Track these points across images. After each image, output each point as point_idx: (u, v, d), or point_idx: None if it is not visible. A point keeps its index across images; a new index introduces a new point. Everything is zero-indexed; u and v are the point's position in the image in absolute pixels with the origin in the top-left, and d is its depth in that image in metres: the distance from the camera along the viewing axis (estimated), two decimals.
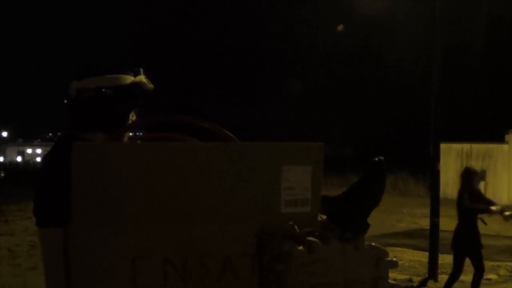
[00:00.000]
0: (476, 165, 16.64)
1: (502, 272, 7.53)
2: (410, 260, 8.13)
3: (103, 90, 1.93)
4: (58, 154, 1.85)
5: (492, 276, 7.30)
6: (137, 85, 1.98)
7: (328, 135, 27.14)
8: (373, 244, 1.57)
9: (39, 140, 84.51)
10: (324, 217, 1.61)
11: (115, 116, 1.96)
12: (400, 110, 24.97)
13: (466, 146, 17.21)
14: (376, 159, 1.67)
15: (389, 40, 26.41)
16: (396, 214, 13.16)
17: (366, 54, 29.26)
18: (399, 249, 8.94)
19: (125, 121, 2.00)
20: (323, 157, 1.58)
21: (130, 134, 2.10)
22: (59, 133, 2.03)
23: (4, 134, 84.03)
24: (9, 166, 52.89)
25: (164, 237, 1.47)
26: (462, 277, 7.25)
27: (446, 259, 8.08)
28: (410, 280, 7.02)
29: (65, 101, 1.99)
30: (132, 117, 2.08)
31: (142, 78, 2.00)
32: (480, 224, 6.08)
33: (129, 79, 1.98)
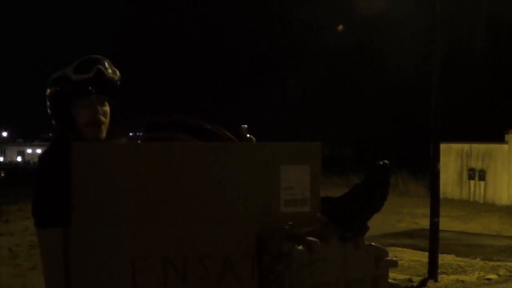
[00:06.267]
0: (476, 165, 16.76)
1: (502, 272, 7.52)
2: (410, 260, 8.12)
3: (49, 91, 1.94)
4: (55, 153, 1.84)
5: (492, 276, 7.29)
6: (67, 78, 1.92)
7: (327, 135, 27.17)
8: (373, 243, 1.57)
9: (39, 140, 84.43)
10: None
11: (61, 114, 1.94)
12: (400, 110, 24.97)
13: (466, 146, 17.20)
14: (381, 162, 1.64)
15: (389, 40, 26.40)
16: (396, 214, 13.14)
17: (366, 54, 29.27)
18: (399, 249, 8.93)
19: (67, 117, 1.93)
20: (322, 157, 1.59)
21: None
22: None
23: (4, 134, 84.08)
24: (9, 166, 52.95)
25: (164, 237, 1.47)
26: (463, 277, 7.25)
27: (446, 259, 8.08)
28: (410, 280, 7.01)
29: None
30: (105, 107, 1.96)
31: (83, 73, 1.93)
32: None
33: (70, 73, 1.93)
